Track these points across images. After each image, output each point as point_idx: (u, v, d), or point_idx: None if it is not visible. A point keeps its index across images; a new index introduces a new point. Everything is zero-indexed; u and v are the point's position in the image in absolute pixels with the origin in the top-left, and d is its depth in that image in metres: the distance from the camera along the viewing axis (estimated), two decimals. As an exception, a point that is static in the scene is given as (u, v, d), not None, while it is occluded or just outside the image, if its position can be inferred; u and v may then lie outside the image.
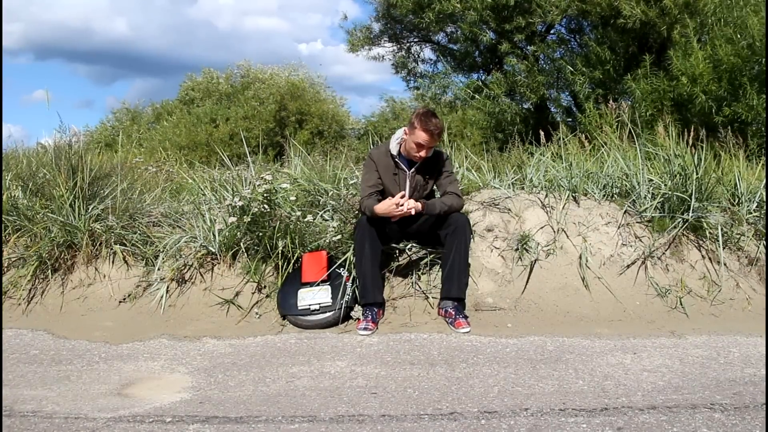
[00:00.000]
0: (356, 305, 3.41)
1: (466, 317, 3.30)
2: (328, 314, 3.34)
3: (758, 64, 6.38)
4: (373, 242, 3.34)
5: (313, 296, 3.37)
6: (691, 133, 4.24)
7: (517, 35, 9.46)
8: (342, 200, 3.94)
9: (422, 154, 3.34)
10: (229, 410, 2.25)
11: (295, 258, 3.56)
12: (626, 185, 4.13)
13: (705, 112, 6.71)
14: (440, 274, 3.44)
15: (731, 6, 6.92)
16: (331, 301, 3.37)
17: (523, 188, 4.23)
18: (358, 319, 3.32)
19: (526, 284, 3.57)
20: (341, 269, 3.51)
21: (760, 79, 6.40)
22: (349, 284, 3.43)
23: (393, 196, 3.31)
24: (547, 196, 3.99)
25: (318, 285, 3.42)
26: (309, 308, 3.35)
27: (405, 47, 12.07)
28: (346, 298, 3.39)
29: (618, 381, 2.51)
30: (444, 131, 3.45)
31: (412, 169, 3.43)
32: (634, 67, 8.01)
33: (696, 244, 3.82)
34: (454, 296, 3.33)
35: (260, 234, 3.60)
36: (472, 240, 3.61)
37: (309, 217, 3.70)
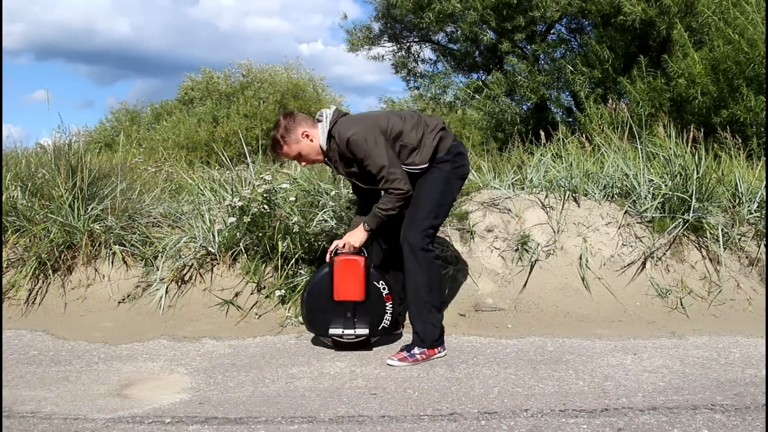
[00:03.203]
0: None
1: (410, 351, 2.75)
2: (362, 338, 2.89)
3: (756, 66, 6.35)
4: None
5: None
6: (691, 134, 4.24)
7: (517, 34, 9.45)
8: (342, 200, 3.94)
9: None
10: (229, 411, 2.24)
11: (295, 258, 3.55)
12: (626, 185, 4.13)
13: (703, 113, 6.70)
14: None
15: (727, 7, 6.90)
16: (369, 331, 2.86)
17: (523, 188, 4.23)
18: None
19: (526, 285, 3.57)
20: (379, 282, 2.84)
21: (758, 81, 6.38)
22: (389, 304, 2.86)
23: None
24: (547, 196, 3.98)
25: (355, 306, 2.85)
26: (342, 336, 2.86)
27: (405, 47, 12.04)
28: (384, 323, 2.87)
29: (618, 382, 2.50)
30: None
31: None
32: (633, 67, 8.01)
33: (696, 245, 3.81)
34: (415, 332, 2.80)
35: (260, 234, 3.59)
36: (471, 240, 3.58)
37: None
